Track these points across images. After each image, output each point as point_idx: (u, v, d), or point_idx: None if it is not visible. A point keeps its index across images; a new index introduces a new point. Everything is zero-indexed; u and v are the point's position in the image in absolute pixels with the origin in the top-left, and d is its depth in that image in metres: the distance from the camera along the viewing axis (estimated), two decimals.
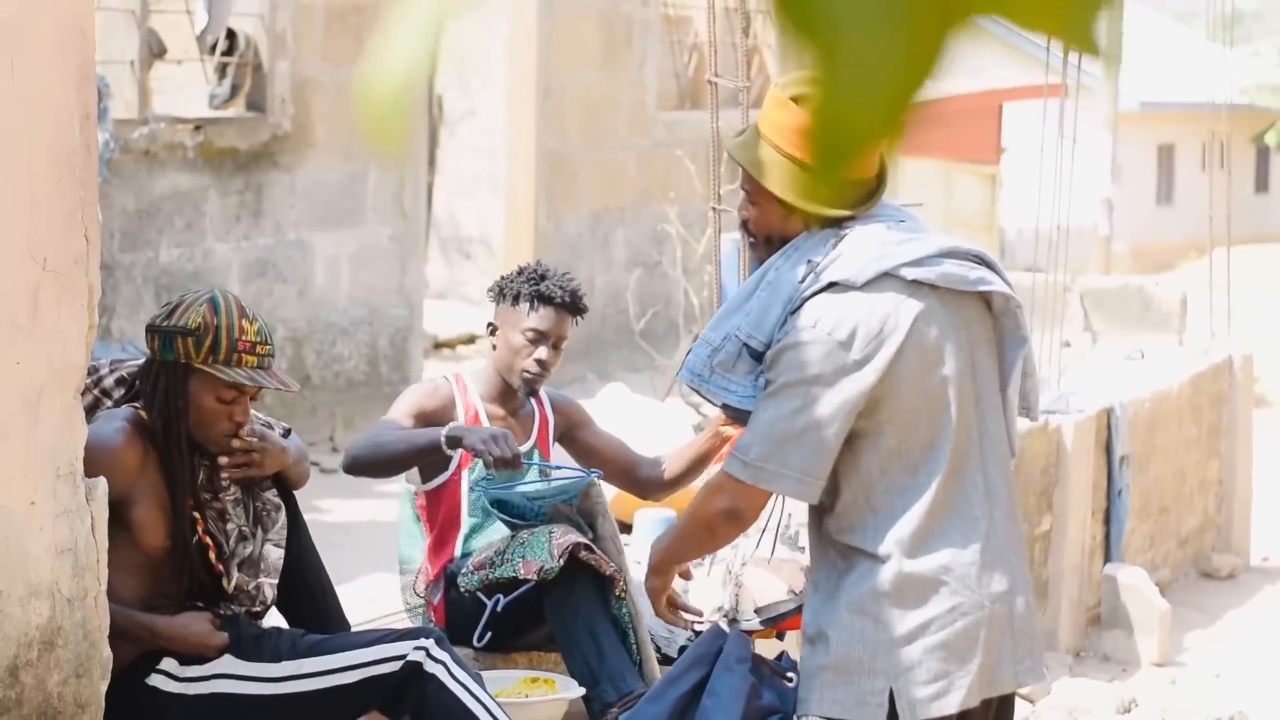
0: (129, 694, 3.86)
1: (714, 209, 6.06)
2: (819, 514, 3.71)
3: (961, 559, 3.66)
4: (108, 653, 3.70)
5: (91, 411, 3.96)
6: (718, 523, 3.70)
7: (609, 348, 12.93)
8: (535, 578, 4.57)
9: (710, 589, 5.35)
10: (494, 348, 4.94)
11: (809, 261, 3.63)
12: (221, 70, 10.14)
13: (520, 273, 4.95)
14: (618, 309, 12.85)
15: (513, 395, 4.96)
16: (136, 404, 3.98)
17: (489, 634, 4.80)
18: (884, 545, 3.64)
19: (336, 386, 10.66)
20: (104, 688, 3.69)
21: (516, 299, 4.89)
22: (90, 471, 3.67)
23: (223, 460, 4.01)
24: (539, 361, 4.86)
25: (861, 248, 3.63)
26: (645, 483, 5.10)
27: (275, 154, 10.23)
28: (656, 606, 4.10)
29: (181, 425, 3.93)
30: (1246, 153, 31.85)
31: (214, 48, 10.11)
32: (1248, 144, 31.61)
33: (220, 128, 9.92)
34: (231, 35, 10.11)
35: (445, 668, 3.95)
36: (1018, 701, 3.93)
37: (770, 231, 3.75)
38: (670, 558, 3.95)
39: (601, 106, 13.02)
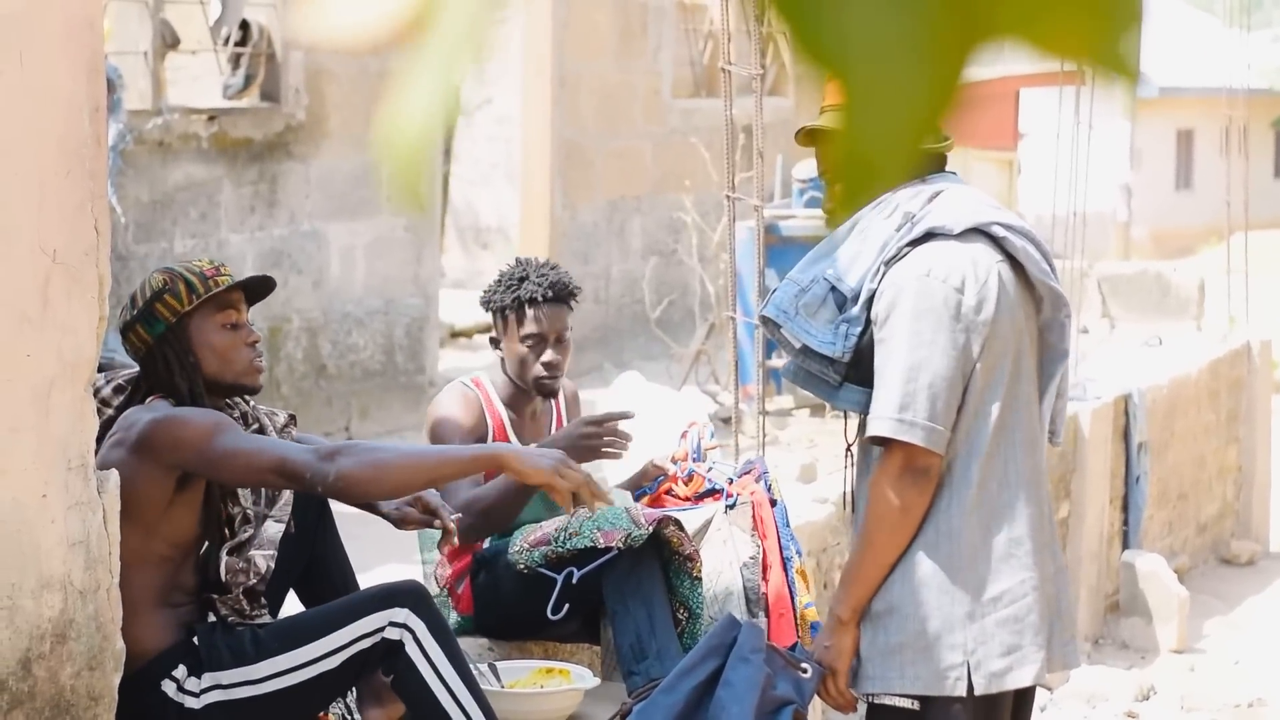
0: (142, 694, 3.83)
1: (729, 197, 6.04)
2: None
3: (1029, 534, 3.65)
4: (120, 645, 3.68)
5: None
6: (903, 493, 3.58)
7: (625, 336, 12.91)
8: (621, 546, 4.47)
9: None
10: (502, 360, 4.87)
11: (905, 213, 3.64)
12: (235, 60, 10.13)
13: (499, 281, 4.86)
14: (634, 298, 12.83)
15: (530, 397, 4.91)
16: (163, 397, 3.92)
17: (565, 606, 4.64)
18: (959, 514, 3.61)
19: (352, 376, 10.65)
20: (117, 680, 3.68)
21: (503, 311, 4.82)
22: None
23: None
24: (546, 364, 4.79)
25: (958, 202, 3.66)
26: None
27: (289, 144, 10.22)
28: (837, 678, 3.75)
29: (200, 385, 3.91)
30: (1266, 137, 31.72)
31: (228, 38, 10.10)
32: (1267, 129, 31.47)
33: (234, 118, 9.91)
34: (245, 25, 10.11)
35: (418, 644, 3.88)
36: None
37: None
38: (864, 587, 3.67)
39: (617, 95, 12.99)
